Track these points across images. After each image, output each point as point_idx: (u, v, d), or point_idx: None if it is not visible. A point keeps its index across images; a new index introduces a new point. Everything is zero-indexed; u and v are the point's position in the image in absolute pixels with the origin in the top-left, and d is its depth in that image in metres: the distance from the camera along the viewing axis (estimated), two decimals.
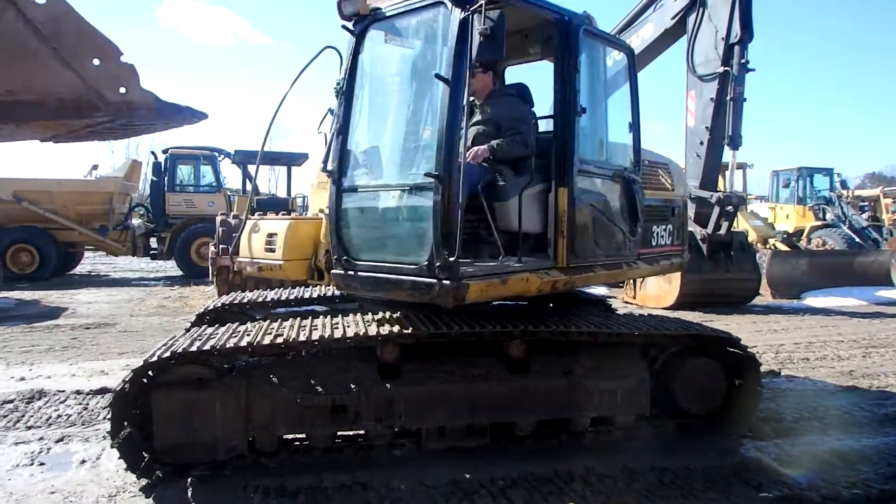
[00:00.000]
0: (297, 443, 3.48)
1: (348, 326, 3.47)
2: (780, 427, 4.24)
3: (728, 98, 8.38)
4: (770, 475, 3.44)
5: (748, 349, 3.95)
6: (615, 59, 4.42)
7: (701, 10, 8.58)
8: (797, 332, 7.92)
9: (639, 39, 9.03)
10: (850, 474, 3.49)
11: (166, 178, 14.66)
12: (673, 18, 8.89)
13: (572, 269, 3.72)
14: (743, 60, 8.23)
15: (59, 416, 4.41)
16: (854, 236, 14.96)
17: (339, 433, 3.48)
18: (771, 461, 3.65)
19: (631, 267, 4.26)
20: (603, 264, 3.98)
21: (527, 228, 3.66)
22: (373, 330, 3.37)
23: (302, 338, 3.32)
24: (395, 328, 3.40)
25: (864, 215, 16.79)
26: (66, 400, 4.75)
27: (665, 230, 4.67)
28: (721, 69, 8.39)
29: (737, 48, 8.22)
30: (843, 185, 18.18)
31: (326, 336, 3.32)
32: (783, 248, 15.24)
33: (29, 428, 4.18)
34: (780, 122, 72.06)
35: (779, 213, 17.70)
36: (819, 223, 16.12)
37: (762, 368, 4.03)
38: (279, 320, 3.78)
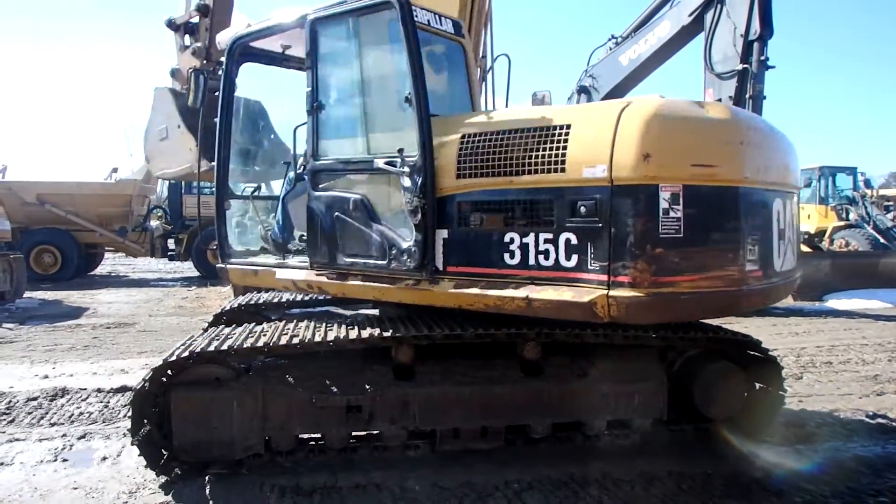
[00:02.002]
0: (313, 442, 3.50)
1: (363, 328, 3.48)
2: (802, 432, 4.15)
3: (747, 96, 8.25)
4: (791, 481, 3.37)
5: (769, 352, 3.88)
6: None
7: (719, 6, 8.45)
8: (819, 335, 7.76)
9: (655, 37, 8.92)
10: (875, 482, 3.41)
11: (183, 181, 14.85)
12: (690, 15, 8.77)
13: (326, 275, 3.73)
14: (762, 57, 8.09)
15: (81, 413, 4.50)
16: (878, 237, 14.63)
17: (354, 433, 3.49)
18: (792, 467, 3.58)
19: (426, 287, 3.34)
20: (364, 275, 3.55)
21: (292, 230, 4.29)
22: (388, 331, 3.37)
23: (317, 338, 3.33)
24: (411, 330, 3.40)
25: (890, 215, 16.42)
26: (87, 398, 4.84)
27: (553, 241, 3.00)
28: (740, 66, 8.26)
29: (756, 45, 8.08)
30: (868, 184, 17.78)
31: (342, 337, 3.33)
32: (805, 248, 14.96)
33: (52, 425, 4.26)
34: (801, 121, 70.83)
35: (800, 214, 17.37)
36: (842, 223, 15.79)
37: (783, 372, 3.94)
38: (295, 321, 3.81)
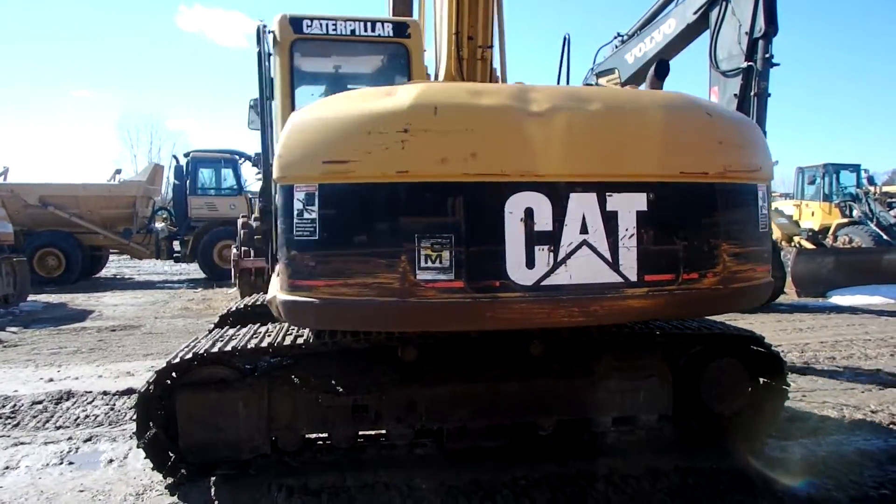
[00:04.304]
0: (320, 442, 3.51)
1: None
2: (806, 427, 4.16)
3: (752, 94, 8.24)
4: (796, 476, 3.37)
5: (773, 348, 3.88)
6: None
7: (724, 4, 8.45)
8: (823, 330, 7.76)
9: (661, 35, 8.93)
10: (878, 474, 3.41)
11: (188, 182, 14.89)
12: (695, 13, 8.77)
13: None
14: (767, 55, 8.09)
15: (87, 416, 4.51)
16: (882, 233, 14.60)
17: (360, 433, 3.50)
18: (797, 462, 3.58)
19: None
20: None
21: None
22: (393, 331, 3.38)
23: (322, 338, 3.34)
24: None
25: (893, 212, 16.35)
26: (93, 400, 4.85)
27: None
28: (745, 64, 8.26)
29: (761, 42, 8.08)
30: (871, 181, 17.75)
31: (347, 337, 3.34)
32: (808, 245, 14.94)
33: (58, 428, 4.28)
34: (806, 118, 70.67)
35: (804, 211, 17.34)
36: (845, 220, 15.76)
37: (787, 368, 3.95)
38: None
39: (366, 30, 4.46)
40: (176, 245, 15.03)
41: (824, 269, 10.77)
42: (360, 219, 2.58)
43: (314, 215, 2.60)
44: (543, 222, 2.58)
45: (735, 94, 8.61)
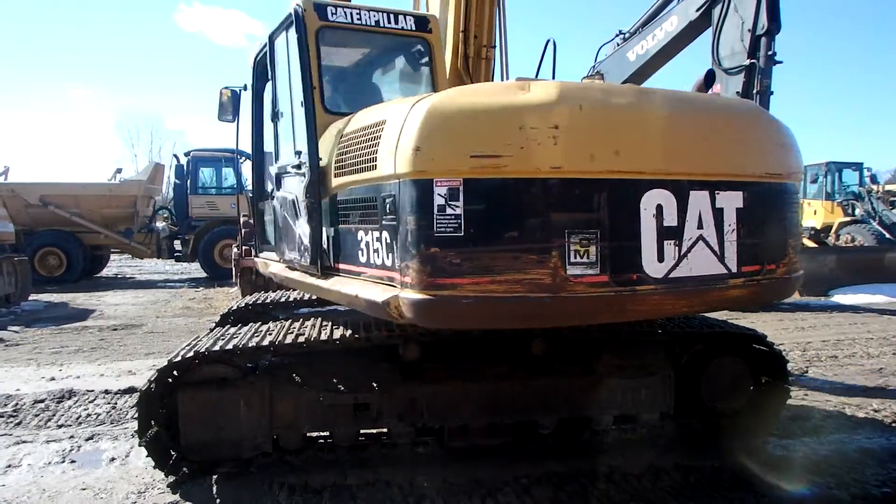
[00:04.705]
0: (322, 440, 3.51)
1: (369, 326, 3.48)
2: (808, 425, 4.16)
3: (755, 91, 8.20)
4: (797, 474, 3.37)
5: (774, 346, 3.88)
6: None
7: (726, 1, 8.42)
8: (825, 329, 7.75)
9: (662, 32, 8.89)
10: (880, 472, 3.41)
11: (189, 181, 14.88)
12: (697, 10, 8.74)
13: (284, 267, 4.11)
14: (770, 52, 8.05)
15: (89, 414, 4.52)
16: (884, 232, 14.59)
17: (362, 431, 3.50)
18: (799, 460, 3.58)
19: (318, 282, 3.46)
20: (297, 269, 3.89)
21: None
22: (394, 329, 3.38)
23: (323, 337, 3.34)
24: (416, 327, 3.40)
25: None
26: (95, 399, 4.86)
27: (379, 239, 2.88)
28: (747, 62, 8.23)
29: (764, 40, 8.05)
30: (874, 179, 17.74)
31: (347, 335, 3.34)
32: (811, 244, 14.92)
33: (60, 427, 4.28)
34: (808, 116, 70.51)
35: (806, 210, 17.33)
36: (848, 219, 15.75)
37: (789, 366, 3.94)
38: (301, 320, 3.82)
39: (389, 21, 4.16)
40: (177, 244, 15.04)
41: (826, 268, 10.75)
42: (511, 214, 2.56)
43: (458, 211, 2.51)
44: (670, 218, 2.74)
45: (737, 92, 8.58)
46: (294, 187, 3.79)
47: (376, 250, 2.90)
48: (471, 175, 2.51)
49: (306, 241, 3.56)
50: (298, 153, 3.60)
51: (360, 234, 3.06)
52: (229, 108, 4.73)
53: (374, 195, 2.89)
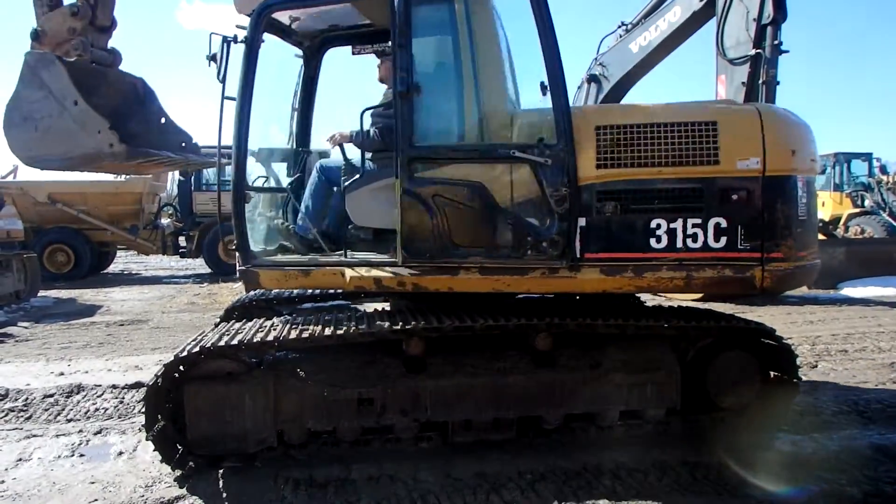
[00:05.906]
0: (326, 435, 3.51)
1: (373, 321, 3.48)
2: (818, 421, 4.11)
3: (760, 82, 8.10)
4: (808, 470, 3.33)
5: (783, 341, 3.83)
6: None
7: None
8: (834, 323, 7.67)
9: (666, 23, 8.79)
10: (893, 469, 3.36)
11: (193, 178, 14.91)
12: (701, 0, 8.65)
13: (428, 270, 3.40)
14: (776, 42, 7.94)
15: (97, 409, 4.54)
16: (894, 223, 14.42)
17: (366, 426, 3.50)
18: (810, 456, 3.54)
19: (565, 275, 3.34)
20: (483, 268, 3.37)
21: (367, 223, 3.78)
22: (397, 324, 3.37)
23: (327, 332, 3.34)
24: (420, 322, 3.39)
25: None
26: (103, 394, 4.88)
27: (702, 226, 3.27)
28: (753, 52, 8.12)
29: (769, 29, 7.93)
30: (883, 170, 17.48)
31: (351, 330, 3.33)
32: (819, 236, 14.77)
33: (69, 421, 4.31)
34: (816, 106, 69.90)
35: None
36: (857, 210, 15.56)
37: (798, 361, 3.90)
38: (305, 315, 3.81)
39: None
40: (182, 240, 15.07)
41: (835, 260, 10.62)
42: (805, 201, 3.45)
43: (805, 200, 3.40)
44: None
45: (743, 83, 8.47)
46: (487, 175, 3.36)
47: (692, 235, 3.30)
48: (808, 174, 3.49)
49: (545, 233, 3.30)
50: (541, 140, 3.28)
51: (657, 222, 3.31)
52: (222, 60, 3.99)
53: (699, 186, 3.30)
